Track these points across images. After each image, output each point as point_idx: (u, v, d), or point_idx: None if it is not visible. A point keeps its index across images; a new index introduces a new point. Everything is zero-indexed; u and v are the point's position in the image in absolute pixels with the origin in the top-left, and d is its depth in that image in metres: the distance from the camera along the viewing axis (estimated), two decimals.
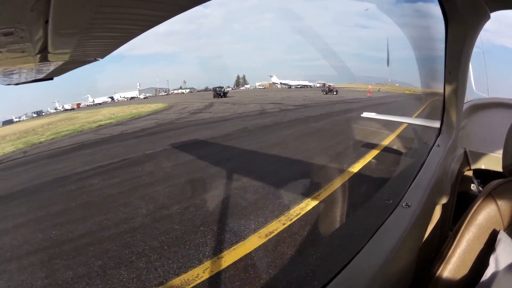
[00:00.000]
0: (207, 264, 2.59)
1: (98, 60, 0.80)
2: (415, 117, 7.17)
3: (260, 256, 2.62)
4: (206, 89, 19.68)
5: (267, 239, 2.85)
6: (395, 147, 5.84)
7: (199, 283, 2.38)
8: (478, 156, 2.10)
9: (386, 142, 6.06)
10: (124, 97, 16.34)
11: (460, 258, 1.00)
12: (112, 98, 15.83)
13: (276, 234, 2.94)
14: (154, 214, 3.61)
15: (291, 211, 3.33)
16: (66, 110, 13.92)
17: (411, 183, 1.32)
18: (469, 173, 2.15)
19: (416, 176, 1.37)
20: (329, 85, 18.50)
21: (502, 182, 1.06)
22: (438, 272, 1.00)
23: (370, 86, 18.95)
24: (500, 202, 1.01)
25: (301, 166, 5.18)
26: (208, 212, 3.60)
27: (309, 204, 3.51)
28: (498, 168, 1.64)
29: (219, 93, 17.45)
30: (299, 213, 3.29)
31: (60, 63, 0.74)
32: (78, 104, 14.64)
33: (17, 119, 12.00)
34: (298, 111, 12.56)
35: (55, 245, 3.15)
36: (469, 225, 1.02)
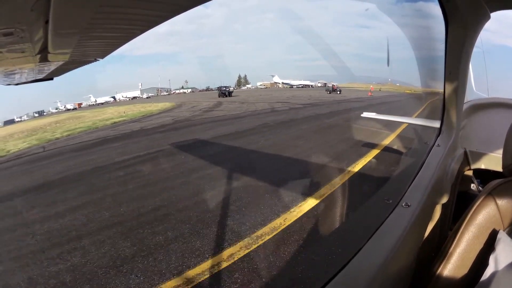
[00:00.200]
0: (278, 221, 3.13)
1: (98, 60, 0.80)
2: (415, 117, 7.17)
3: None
4: (208, 89, 19.72)
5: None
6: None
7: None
8: (478, 156, 2.10)
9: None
10: (126, 97, 16.39)
11: (460, 257, 1.00)
12: (114, 98, 15.86)
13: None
14: (212, 192, 4.11)
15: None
16: (68, 109, 13.95)
17: (411, 182, 1.32)
18: (469, 173, 2.15)
19: (416, 175, 1.37)
20: (332, 84, 18.58)
21: (502, 182, 1.06)
22: (438, 271, 1.00)
23: (371, 86, 19.07)
24: (500, 202, 1.01)
25: (323, 156, 5.57)
26: (245, 188, 4.18)
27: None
28: (498, 168, 1.64)
29: (224, 92, 17.47)
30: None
31: (60, 63, 0.74)
32: (80, 104, 14.66)
33: (19, 119, 12.02)
34: (307, 109, 12.87)
35: (130, 219, 3.51)
36: (469, 225, 1.02)
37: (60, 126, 11.27)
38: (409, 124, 5.91)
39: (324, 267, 2.33)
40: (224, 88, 17.82)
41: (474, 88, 3.37)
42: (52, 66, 0.75)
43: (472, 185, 2.16)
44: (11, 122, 11.64)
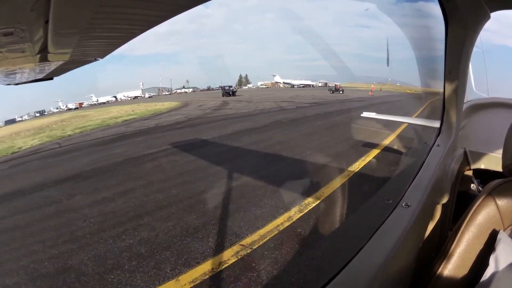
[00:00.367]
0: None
1: (98, 60, 0.80)
2: (415, 117, 7.17)
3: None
4: (209, 89, 19.84)
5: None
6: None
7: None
8: (478, 156, 2.10)
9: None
10: (127, 97, 16.45)
11: (460, 257, 1.00)
12: (115, 97, 15.92)
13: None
14: (245, 178, 4.55)
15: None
16: (70, 109, 14.00)
17: (411, 182, 1.32)
18: (469, 173, 2.15)
19: (416, 176, 1.37)
20: (335, 84, 18.68)
21: (502, 182, 1.06)
22: (438, 271, 1.00)
23: (372, 86, 19.17)
24: (500, 202, 1.01)
25: (340, 149, 6.05)
26: (268, 175, 4.62)
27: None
28: (498, 168, 1.64)
29: (228, 92, 17.74)
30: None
31: (60, 63, 0.74)
32: (81, 104, 14.70)
33: (20, 119, 12.06)
34: (314, 108, 13.16)
35: (186, 198, 3.92)
36: (469, 225, 1.02)
37: (68, 124, 11.50)
38: (409, 124, 5.91)
39: (324, 267, 2.33)
40: (228, 88, 18.10)
41: (474, 88, 3.36)
42: (52, 66, 0.75)
43: (472, 185, 2.16)
44: (12, 121, 11.67)
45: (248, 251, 2.69)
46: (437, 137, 1.87)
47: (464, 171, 2.12)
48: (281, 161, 5.40)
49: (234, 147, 6.58)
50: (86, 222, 3.50)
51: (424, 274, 1.06)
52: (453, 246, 1.01)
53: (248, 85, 21.67)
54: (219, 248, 2.77)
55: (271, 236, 2.89)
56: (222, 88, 18.27)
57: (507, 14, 1.78)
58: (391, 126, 6.75)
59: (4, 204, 4.34)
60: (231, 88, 18.23)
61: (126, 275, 2.52)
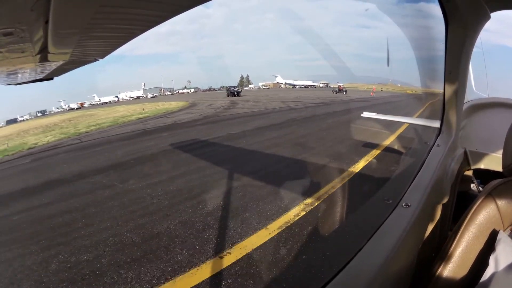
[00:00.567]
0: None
1: (98, 60, 0.80)
2: (415, 117, 7.16)
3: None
4: (210, 89, 20.02)
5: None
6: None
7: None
8: (478, 156, 2.10)
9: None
10: (129, 97, 16.55)
11: (460, 258, 1.00)
12: (117, 97, 16.01)
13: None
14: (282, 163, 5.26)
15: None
16: (72, 109, 14.08)
17: (411, 183, 1.32)
18: (469, 173, 2.15)
19: (416, 176, 1.37)
20: (339, 85, 18.82)
21: (502, 182, 1.06)
22: (438, 272, 1.00)
23: (373, 86, 19.31)
24: (500, 202, 1.01)
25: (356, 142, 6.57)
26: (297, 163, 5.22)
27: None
28: (498, 168, 1.64)
29: (233, 92, 18.20)
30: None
31: (60, 63, 0.74)
32: (82, 103, 14.76)
33: (21, 118, 12.11)
34: (321, 107, 13.56)
35: (247, 174, 4.58)
36: (469, 225, 1.02)
37: (78, 123, 11.79)
38: (409, 124, 5.91)
39: (324, 267, 2.33)
40: (233, 88, 18.64)
41: (474, 88, 3.36)
42: (52, 66, 0.75)
43: (472, 185, 2.16)
44: (13, 121, 11.71)
45: (310, 208, 3.37)
46: (437, 137, 1.86)
47: (464, 171, 2.12)
48: (310, 150, 6.12)
49: (264, 139, 7.18)
50: (155, 199, 3.91)
51: (424, 274, 1.06)
52: (453, 246, 1.01)
53: (250, 86, 21.75)
54: (289, 206, 3.45)
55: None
56: (227, 88, 18.76)
57: (507, 14, 1.78)
58: (391, 126, 6.75)
59: (54, 190, 4.66)
60: (236, 89, 18.73)
61: (220, 231, 3.00)
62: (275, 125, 9.24)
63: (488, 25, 1.58)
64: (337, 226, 3.14)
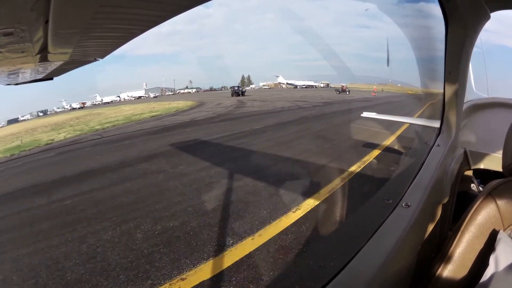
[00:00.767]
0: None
1: (98, 60, 0.80)
2: (416, 117, 7.16)
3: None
4: (211, 89, 20.20)
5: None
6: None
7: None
8: (478, 156, 2.10)
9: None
10: (131, 97, 16.62)
11: (460, 258, 1.00)
12: (118, 97, 16.07)
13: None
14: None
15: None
16: (74, 108, 14.13)
17: (411, 183, 1.32)
18: (469, 173, 2.15)
19: (416, 176, 1.37)
20: (342, 85, 18.99)
21: (502, 182, 1.06)
22: (438, 272, 1.00)
23: (374, 86, 19.45)
24: (500, 202, 1.01)
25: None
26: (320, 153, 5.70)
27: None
28: (498, 168, 1.64)
29: (238, 92, 18.47)
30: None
31: (60, 63, 0.74)
32: (83, 103, 14.80)
33: (22, 118, 12.14)
34: (328, 107, 13.82)
35: (288, 159, 5.28)
36: (469, 225, 1.02)
37: (88, 121, 11.92)
38: (409, 124, 5.91)
39: (324, 267, 2.33)
40: (237, 88, 19.01)
41: (474, 88, 3.36)
42: (52, 66, 0.75)
43: (472, 185, 2.16)
44: (15, 121, 11.73)
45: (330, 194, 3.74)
46: (437, 137, 1.86)
47: (464, 171, 2.12)
48: (331, 141, 6.67)
49: (287, 133, 7.70)
50: (214, 179, 4.38)
51: (424, 274, 1.06)
52: (453, 246, 1.01)
53: (251, 86, 21.83)
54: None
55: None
56: (232, 88, 19.06)
57: (507, 14, 1.78)
58: (391, 126, 6.75)
59: (99, 177, 4.90)
60: (240, 89, 19.07)
61: (281, 195, 3.70)
62: (292, 121, 9.65)
63: (488, 25, 1.58)
64: (337, 226, 3.14)
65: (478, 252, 1.00)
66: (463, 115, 2.17)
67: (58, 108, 13.89)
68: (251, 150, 6.06)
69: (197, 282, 2.30)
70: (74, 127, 10.65)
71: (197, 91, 19.82)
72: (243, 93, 18.33)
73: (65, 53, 0.69)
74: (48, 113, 13.40)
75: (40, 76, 0.80)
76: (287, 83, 21.46)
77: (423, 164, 1.49)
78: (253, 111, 12.62)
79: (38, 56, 0.63)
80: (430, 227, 1.31)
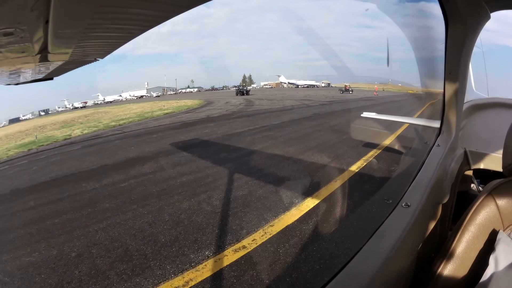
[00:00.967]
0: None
1: (98, 60, 0.80)
2: (416, 117, 7.16)
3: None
4: (213, 88, 20.45)
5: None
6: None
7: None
8: (478, 156, 2.10)
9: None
10: (133, 96, 16.72)
11: (460, 258, 1.00)
12: (120, 96, 16.16)
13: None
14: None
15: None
16: (76, 108, 14.22)
17: (411, 183, 1.31)
18: (469, 173, 2.15)
19: (416, 176, 1.37)
20: (345, 85, 19.19)
21: (502, 182, 1.06)
22: (438, 271, 1.00)
23: (376, 86, 19.68)
24: (500, 202, 1.01)
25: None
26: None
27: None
28: (498, 168, 1.64)
29: (242, 91, 19.21)
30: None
31: (60, 63, 0.74)
32: (85, 102, 14.87)
33: (24, 118, 12.20)
34: (335, 105, 14.32)
35: (317, 146, 6.03)
36: (469, 225, 1.02)
37: (97, 118, 12.31)
38: (409, 124, 5.91)
39: (324, 267, 2.32)
40: (242, 87, 19.86)
41: (474, 88, 3.36)
42: (52, 66, 0.75)
43: (472, 185, 2.16)
44: (16, 120, 11.78)
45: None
46: (437, 137, 1.86)
47: (464, 171, 2.12)
48: (347, 134, 7.19)
49: (306, 127, 8.29)
50: (259, 162, 5.07)
51: (424, 274, 1.06)
52: (453, 246, 1.01)
53: (252, 85, 21.93)
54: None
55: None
56: (236, 87, 19.82)
57: (507, 14, 1.79)
58: (391, 126, 6.75)
59: (152, 162, 5.42)
60: (245, 88, 19.82)
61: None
62: (306, 118, 10.25)
63: (488, 25, 1.58)
64: (337, 226, 3.14)
65: (478, 252, 1.00)
66: (463, 115, 2.17)
67: (60, 108, 13.94)
68: (282, 140, 6.74)
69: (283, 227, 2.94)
70: (85, 124, 10.85)
71: (199, 91, 20.00)
72: (247, 92, 18.91)
73: (65, 53, 0.68)
74: (49, 112, 13.45)
75: (40, 76, 0.80)
76: (289, 83, 21.56)
77: (423, 164, 1.49)
78: (264, 109, 13.04)
79: (38, 56, 0.62)
80: (430, 227, 1.31)
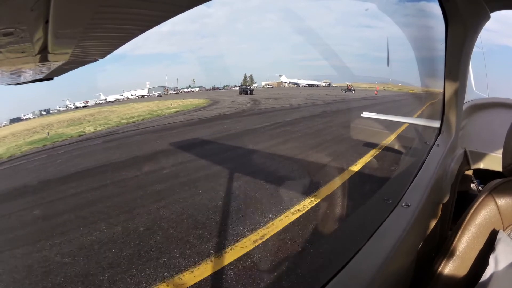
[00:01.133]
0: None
1: (98, 60, 0.80)
2: (415, 117, 7.16)
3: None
4: (214, 88, 20.55)
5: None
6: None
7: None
8: (478, 156, 2.10)
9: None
10: (135, 95, 16.79)
11: (459, 257, 1.00)
12: (122, 96, 16.21)
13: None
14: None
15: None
16: (77, 107, 14.26)
17: (411, 182, 1.32)
18: (469, 173, 2.15)
19: (416, 175, 1.37)
20: (348, 84, 19.30)
21: (501, 181, 1.06)
22: (438, 271, 1.00)
23: (376, 85, 19.78)
24: (499, 202, 1.01)
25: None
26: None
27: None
28: (498, 168, 1.64)
29: (246, 90, 19.20)
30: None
31: (60, 63, 0.74)
32: (86, 102, 14.89)
33: (25, 117, 12.21)
34: (338, 104, 14.40)
35: (329, 140, 6.43)
36: (469, 225, 1.02)
37: (104, 117, 12.35)
38: (409, 124, 5.91)
39: (324, 267, 2.32)
40: (246, 87, 19.82)
41: (474, 88, 3.36)
42: (52, 66, 0.75)
43: (472, 185, 2.16)
44: (17, 120, 11.79)
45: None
46: (437, 137, 1.86)
47: (464, 171, 2.12)
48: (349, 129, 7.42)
49: (318, 123, 8.65)
50: (284, 151, 5.41)
51: (424, 273, 1.06)
52: (453, 246, 1.01)
53: (254, 85, 21.99)
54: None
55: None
56: (240, 87, 19.83)
57: (507, 14, 1.78)
58: (391, 126, 6.75)
59: (182, 153, 5.65)
60: (249, 87, 19.82)
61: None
62: (315, 115, 10.47)
63: (488, 25, 1.58)
64: (337, 226, 3.14)
65: (478, 251, 1.00)
66: (463, 115, 2.17)
67: (61, 107, 13.97)
68: (300, 134, 7.12)
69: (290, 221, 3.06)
70: (95, 122, 10.93)
71: (200, 90, 20.06)
72: (251, 92, 18.96)
73: (65, 53, 0.68)
74: (50, 112, 13.48)
75: (40, 76, 0.80)
76: (290, 82, 21.59)
77: (423, 164, 1.49)
78: (272, 107, 13.19)
79: (38, 56, 0.62)
80: (430, 227, 1.31)
